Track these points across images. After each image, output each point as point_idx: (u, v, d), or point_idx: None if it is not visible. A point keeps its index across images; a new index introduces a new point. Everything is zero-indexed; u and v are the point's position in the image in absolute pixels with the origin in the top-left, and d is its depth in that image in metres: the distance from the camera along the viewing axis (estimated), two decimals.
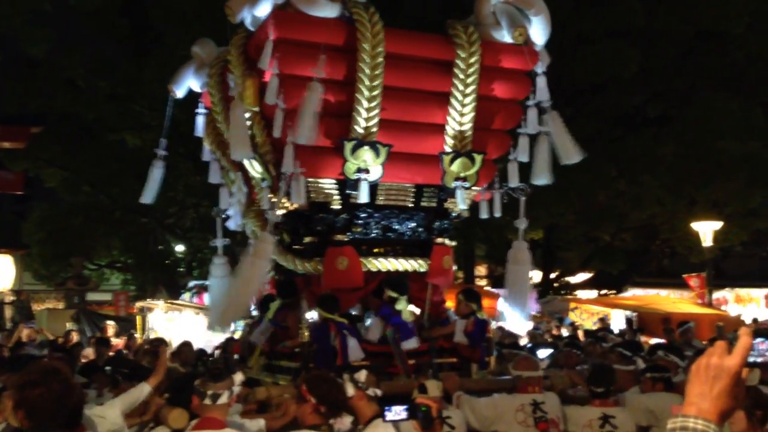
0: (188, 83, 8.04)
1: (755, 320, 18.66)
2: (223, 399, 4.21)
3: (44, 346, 13.81)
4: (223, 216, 8.21)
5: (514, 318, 7.75)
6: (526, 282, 7.51)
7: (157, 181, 8.08)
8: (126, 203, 23.40)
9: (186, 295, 24.53)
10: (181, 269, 27.14)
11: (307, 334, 6.62)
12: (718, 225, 20.11)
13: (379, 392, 4.62)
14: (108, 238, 25.48)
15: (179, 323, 16.87)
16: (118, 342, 13.61)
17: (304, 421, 4.32)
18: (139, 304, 19.45)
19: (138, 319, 18.01)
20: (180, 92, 8.04)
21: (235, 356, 9.56)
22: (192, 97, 8.32)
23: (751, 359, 1.64)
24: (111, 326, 15.50)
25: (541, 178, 7.10)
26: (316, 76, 6.28)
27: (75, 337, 14.22)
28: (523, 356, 6.76)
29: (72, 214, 24.08)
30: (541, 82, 7.14)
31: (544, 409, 5.70)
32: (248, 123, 6.97)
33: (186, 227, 24.87)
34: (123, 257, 27.88)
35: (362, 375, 4.59)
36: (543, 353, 8.96)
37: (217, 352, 11.67)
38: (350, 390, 4.50)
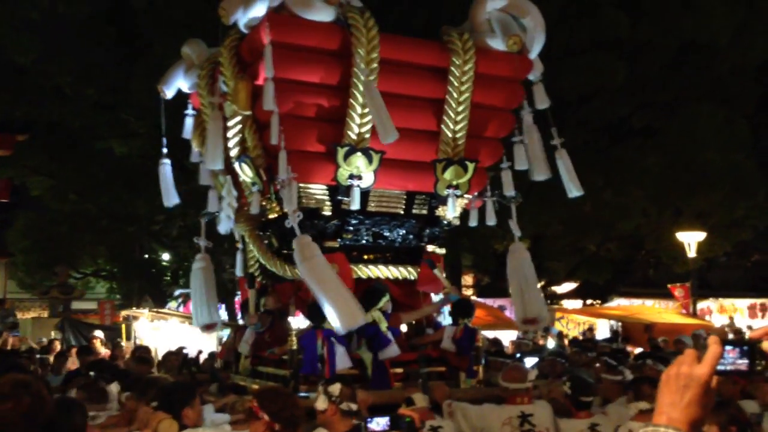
0: (178, 84, 7.97)
1: (738, 330, 18.73)
2: None
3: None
4: (207, 220, 8.14)
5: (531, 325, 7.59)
6: (534, 283, 7.48)
7: (170, 181, 8.07)
8: (113, 211, 23.26)
9: (172, 304, 24.43)
10: (167, 278, 26.93)
11: (295, 341, 6.57)
12: (702, 236, 20.27)
13: (354, 407, 4.42)
14: (94, 246, 25.20)
15: (165, 332, 16.77)
16: (106, 352, 13.46)
17: None
18: (124, 313, 19.32)
19: (123, 327, 17.87)
20: (170, 93, 7.98)
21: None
22: (177, 103, 8.25)
23: (720, 367, 1.65)
24: (98, 337, 15.36)
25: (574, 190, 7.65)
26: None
27: (58, 345, 14.11)
28: (512, 366, 6.68)
29: (57, 223, 23.81)
30: (539, 89, 7.19)
31: (532, 421, 5.56)
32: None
33: (172, 236, 24.68)
34: (108, 266, 27.62)
35: (336, 388, 4.37)
36: (530, 362, 8.93)
37: (202, 357, 11.64)
38: (322, 404, 4.27)
